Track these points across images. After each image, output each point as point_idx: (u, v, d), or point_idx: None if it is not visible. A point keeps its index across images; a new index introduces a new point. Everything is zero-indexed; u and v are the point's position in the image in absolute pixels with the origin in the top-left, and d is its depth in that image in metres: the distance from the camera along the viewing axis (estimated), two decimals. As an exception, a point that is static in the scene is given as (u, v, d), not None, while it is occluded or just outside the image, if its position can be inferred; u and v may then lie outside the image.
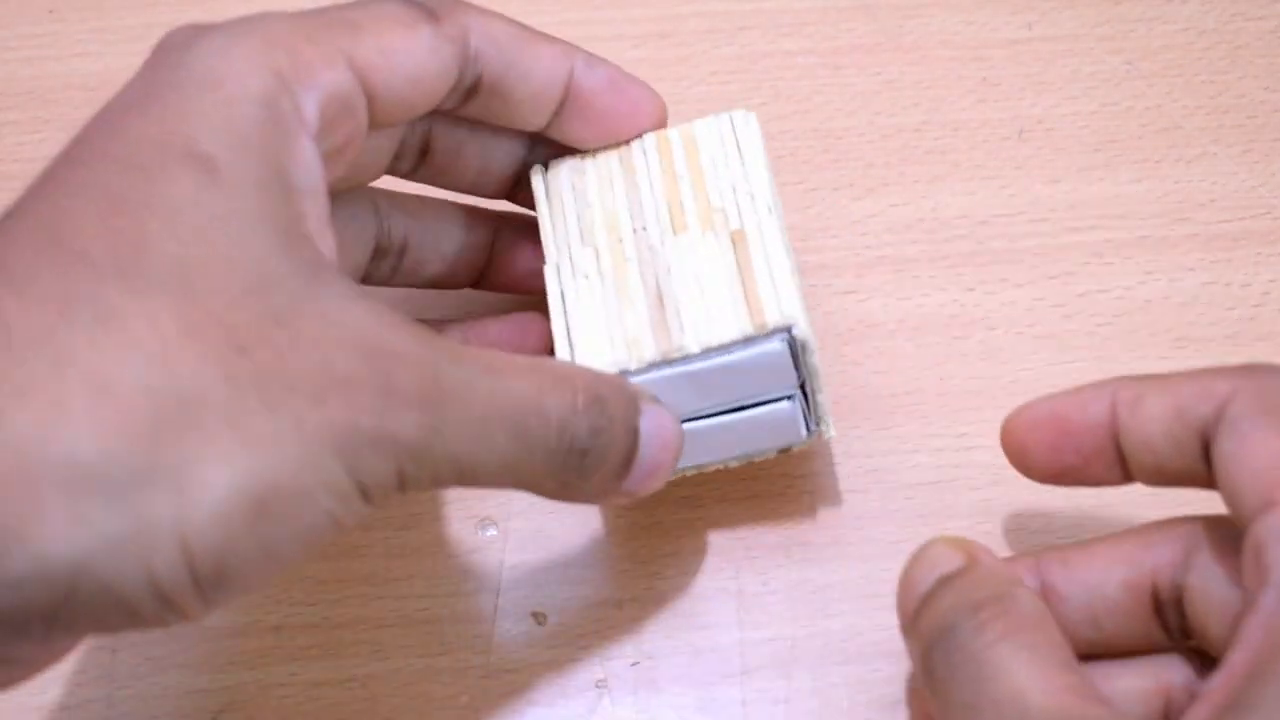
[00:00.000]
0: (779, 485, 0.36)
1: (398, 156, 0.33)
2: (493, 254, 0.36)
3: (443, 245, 0.35)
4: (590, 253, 0.33)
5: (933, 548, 0.28)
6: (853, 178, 0.41)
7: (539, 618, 0.34)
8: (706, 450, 0.32)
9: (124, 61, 0.44)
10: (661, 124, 0.35)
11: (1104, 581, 0.28)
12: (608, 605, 0.34)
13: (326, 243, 0.27)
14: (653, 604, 0.34)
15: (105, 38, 0.44)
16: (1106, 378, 0.29)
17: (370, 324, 0.25)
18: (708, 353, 0.30)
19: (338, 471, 0.24)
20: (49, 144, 0.42)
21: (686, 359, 0.30)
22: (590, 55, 0.33)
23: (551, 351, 0.32)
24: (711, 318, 0.31)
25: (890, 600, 0.34)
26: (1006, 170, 0.41)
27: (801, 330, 0.30)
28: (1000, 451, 0.36)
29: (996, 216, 0.40)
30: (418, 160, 0.34)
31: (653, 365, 0.30)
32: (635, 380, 0.30)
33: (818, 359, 0.31)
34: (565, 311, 0.32)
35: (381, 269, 0.35)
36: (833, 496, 0.36)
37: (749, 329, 0.30)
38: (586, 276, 0.32)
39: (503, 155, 0.35)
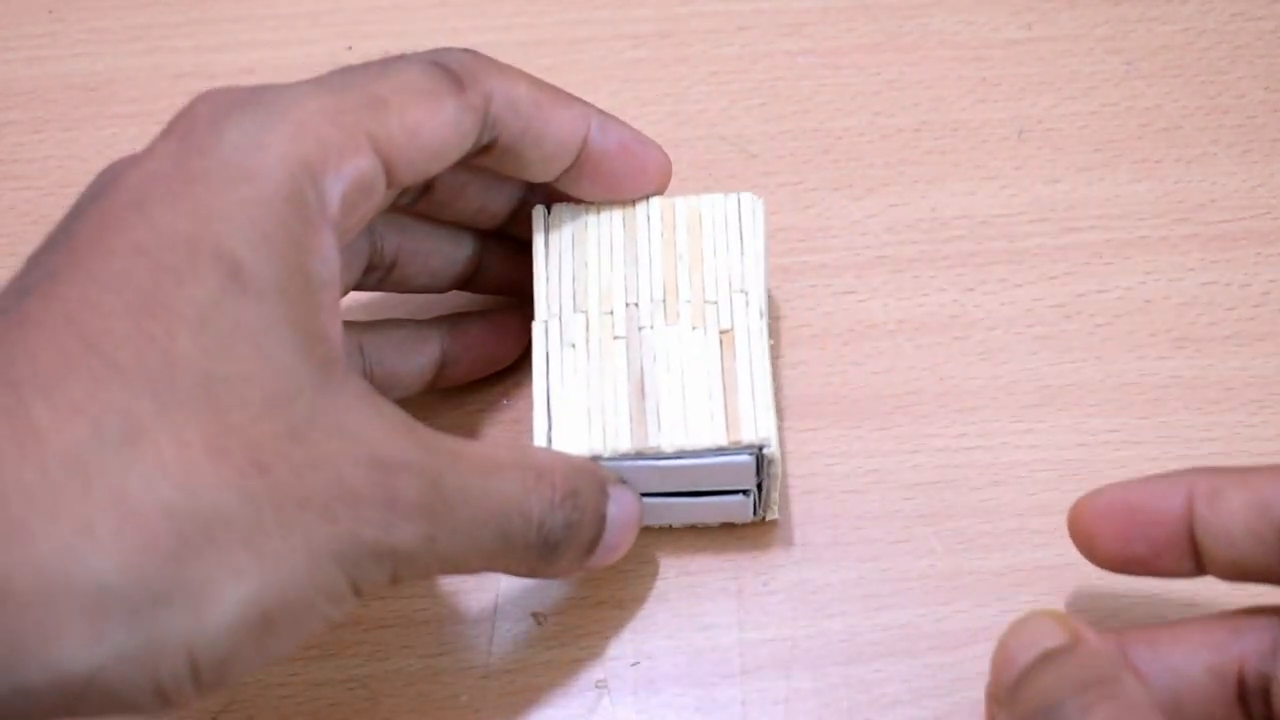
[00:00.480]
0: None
1: (400, 193, 0.34)
2: (479, 264, 0.36)
3: (432, 261, 0.35)
4: (581, 320, 0.33)
5: (1033, 621, 0.28)
6: (853, 178, 0.41)
7: (539, 618, 0.34)
8: (657, 516, 0.34)
9: (124, 61, 0.44)
10: (666, 184, 0.35)
11: (1189, 665, 0.28)
12: (608, 605, 0.34)
13: (336, 328, 0.28)
14: (653, 604, 0.34)
15: (105, 38, 0.44)
16: (1182, 468, 0.29)
17: (379, 432, 0.27)
18: (680, 454, 0.32)
19: (339, 579, 0.26)
20: (49, 144, 0.43)
21: (658, 456, 0.32)
22: (605, 118, 0.33)
23: (527, 350, 0.34)
24: (689, 422, 0.32)
25: (890, 600, 0.34)
26: (1006, 170, 0.41)
27: (771, 450, 0.32)
28: (1000, 451, 0.36)
29: (996, 216, 0.40)
30: (419, 195, 0.34)
31: (625, 456, 0.32)
32: (608, 468, 0.32)
33: (779, 465, 0.33)
34: (548, 378, 0.33)
35: (368, 280, 0.35)
36: (833, 496, 0.36)
37: (723, 441, 0.32)
38: (574, 346, 0.33)
39: (504, 196, 0.35)
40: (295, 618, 0.25)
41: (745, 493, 0.33)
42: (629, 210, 0.35)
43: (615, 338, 0.33)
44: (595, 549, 0.31)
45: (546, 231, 0.35)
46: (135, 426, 0.24)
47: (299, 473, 0.25)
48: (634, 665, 0.34)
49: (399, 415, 0.27)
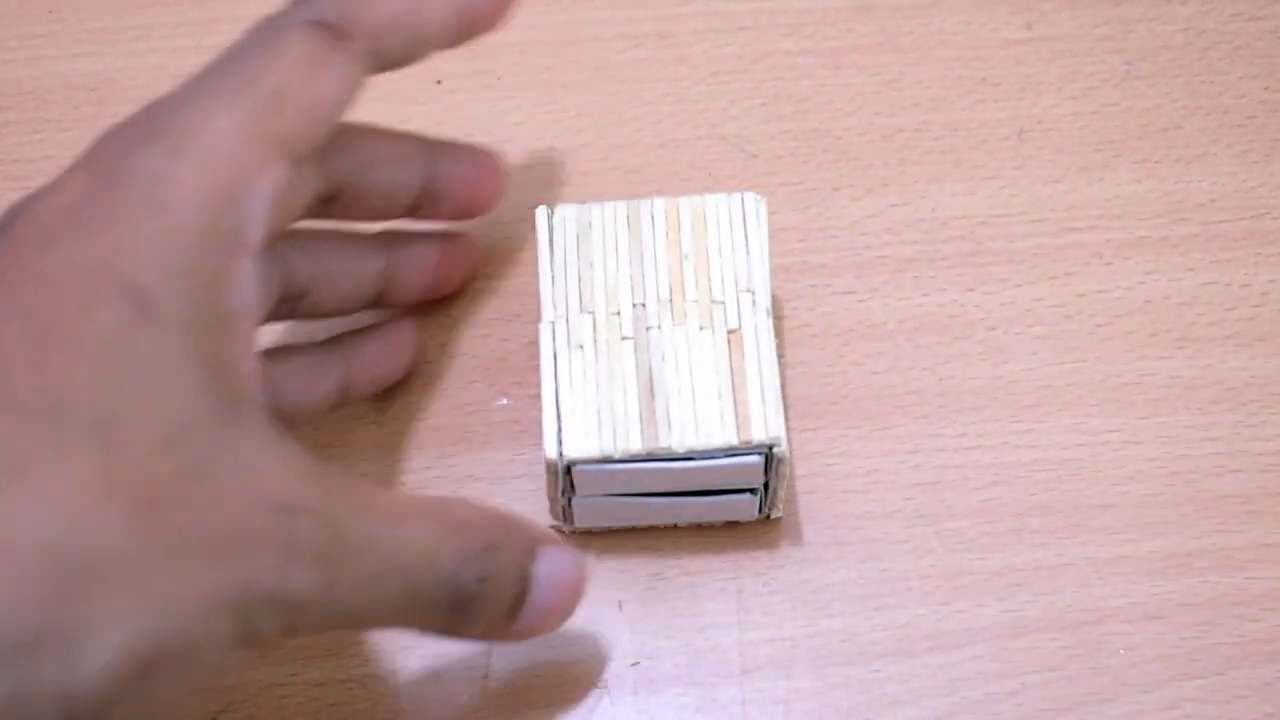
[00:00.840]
0: (779, 485, 0.36)
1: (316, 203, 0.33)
2: (386, 281, 0.36)
3: (340, 285, 0.35)
4: (588, 320, 0.33)
5: None
6: (853, 178, 0.41)
7: (539, 618, 0.34)
8: (662, 515, 0.34)
9: (124, 61, 0.44)
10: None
11: None
12: (608, 605, 0.34)
13: (249, 361, 0.27)
14: (653, 604, 0.34)
15: (105, 38, 0.44)
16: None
17: (281, 475, 0.26)
18: (690, 454, 0.32)
19: (227, 628, 0.24)
20: (49, 144, 0.42)
21: (669, 457, 0.32)
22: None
23: (411, 363, 0.35)
24: (699, 422, 0.32)
25: (890, 600, 0.34)
26: (1006, 170, 0.41)
27: (781, 449, 0.32)
28: (1000, 451, 0.36)
29: (996, 216, 0.40)
30: (332, 198, 0.33)
31: (636, 457, 0.32)
32: (617, 468, 0.32)
33: (788, 464, 0.33)
34: (556, 379, 0.33)
35: (280, 310, 0.34)
36: (833, 496, 0.36)
37: (734, 442, 0.32)
38: (581, 347, 0.33)
39: (412, 171, 0.35)
40: (178, 666, 0.24)
41: (753, 491, 0.33)
42: (633, 211, 0.35)
43: (623, 338, 0.33)
44: (519, 610, 0.29)
45: (550, 232, 0.35)
46: (23, 459, 0.23)
47: (193, 512, 0.24)
48: (634, 665, 0.34)
49: (305, 459, 0.27)
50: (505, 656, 0.34)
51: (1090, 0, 0.44)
